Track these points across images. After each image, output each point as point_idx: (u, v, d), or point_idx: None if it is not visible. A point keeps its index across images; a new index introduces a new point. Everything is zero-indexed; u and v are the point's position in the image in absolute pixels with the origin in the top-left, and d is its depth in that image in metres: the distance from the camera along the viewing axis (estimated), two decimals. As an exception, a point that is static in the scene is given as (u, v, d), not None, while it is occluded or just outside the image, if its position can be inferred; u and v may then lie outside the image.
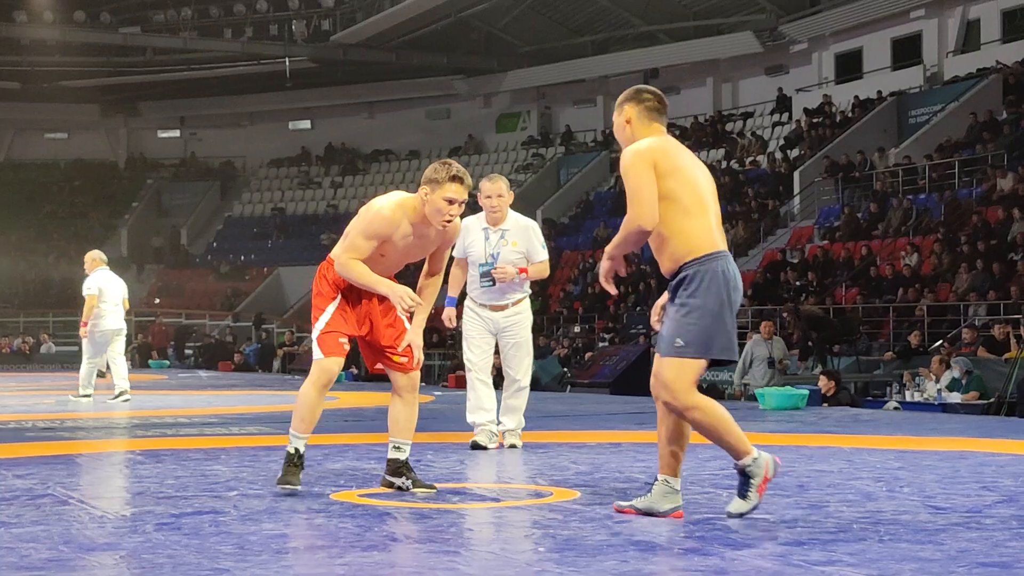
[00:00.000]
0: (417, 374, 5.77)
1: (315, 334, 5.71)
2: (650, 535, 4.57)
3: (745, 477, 4.83)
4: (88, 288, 13.58)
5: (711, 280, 4.78)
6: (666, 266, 4.89)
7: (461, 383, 20.35)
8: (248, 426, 9.96)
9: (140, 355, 31.29)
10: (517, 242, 7.74)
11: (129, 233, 41.27)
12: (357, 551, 4.28)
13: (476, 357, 7.90)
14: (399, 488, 5.74)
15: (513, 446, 7.89)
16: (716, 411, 4.84)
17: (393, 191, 5.79)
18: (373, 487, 6.03)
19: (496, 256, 7.73)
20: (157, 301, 37.32)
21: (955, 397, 14.36)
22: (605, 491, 5.83)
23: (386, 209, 5.49)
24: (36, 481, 6.34)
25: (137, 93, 42.41)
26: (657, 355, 4.90)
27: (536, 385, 11.20)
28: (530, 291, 8.06)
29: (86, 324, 13.59)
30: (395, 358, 5.72)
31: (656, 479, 5.02)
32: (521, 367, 7.90)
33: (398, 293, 5.42)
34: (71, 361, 27.61)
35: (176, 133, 44.37)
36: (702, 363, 4.83)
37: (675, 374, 4.79)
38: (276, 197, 41.73)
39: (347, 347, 5.69)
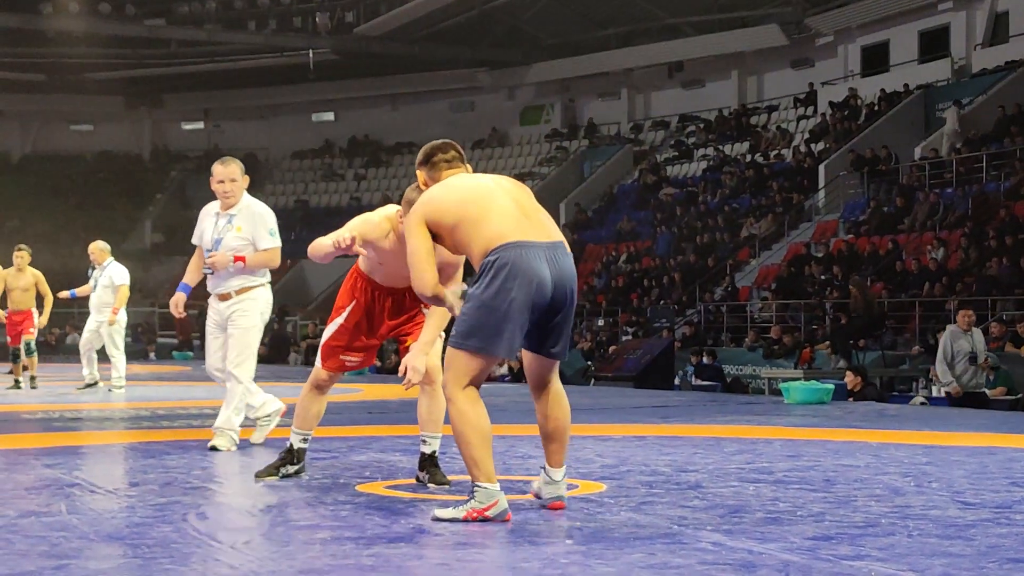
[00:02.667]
0: (437, 365, 5.77)
1: (323, 339, 5.93)
2: (677, 528, 4.57)
3: (471, 493, 4.71)
4: (123, 278, 13.78)
5: (492, 271, 4.67)
6: None
7: (484, 376, 20.42)
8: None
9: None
10: (242, 227, 7.33)
11: (153, 225, 41.43)
12: (384, 542, 4.28)
13: (209, 358, 7.60)
14: (419, 481, 5.79)
15: (214, 448, 7.27)
16: (470, 419, 4.67)
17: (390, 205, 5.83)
18: (399, 479, 6.05)
19: (219, 242, 7.36)
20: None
21: (982, 392, 14.27)
22: (631, 484, 5.82)
23: (374, 216, 5.62)
24: (64, 470, 6.37)
25: (161, 85, 42.55)
26: None
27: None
28: (266, 280, 7.57)
29: (116, 312, 13.78)
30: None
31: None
32: (232, 359, 7.35)
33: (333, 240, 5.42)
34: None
35: (200, 125, 44.51)
36: (472, 357, 4.68)
37: (447, 362, 4.76)
38: (299, 189, 41.83)
39: (349, 363, 5.87)
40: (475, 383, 4.74)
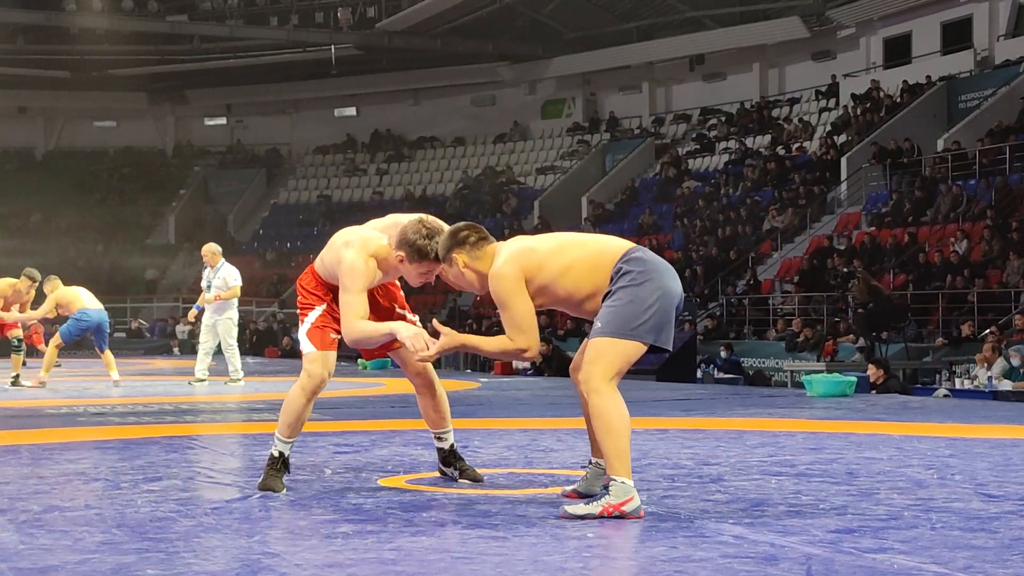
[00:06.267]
0: (427, 364, 5.52)
1: (304, 329, 5.50)
2: (699, 522, 4.56)
3: (604, 489, 4.72)
4: (237, 279, 14.27)
5: (634, 269, 4.74)
6: (600, 304, 4.81)
7: (507, 370, 20.43)
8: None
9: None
10: None
11: (177, 220, 41.59)
12: (406, 536, 4.29)
13: None
14: (448, 477, 5.77)
15: None
16: (617, 409, 4.69)
17: (352, 232, 5.44)
18: (420, 472, 6.05)
19: None
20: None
21: (1006, 385, 14.23)
22: (652, 478, 5.82)
23: (359, 263, 5.24)
24: (89, 465, 6.41)
25: (184, 81, 42.66)
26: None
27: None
28: None
29: (219, 298, 14.20)
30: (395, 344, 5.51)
31: (590, 462, 5.12)
32: None
33: (408, 337, 5.05)
34: (123, 347, 27.82)
35: (223, 120, 44.62)
36: (625, 345, 4.69)
37: (592, 355, 4.74)
38: (322, 184, 41.89)
39: (334, 336, 5.46)
40: (620, 375, 4.76)
